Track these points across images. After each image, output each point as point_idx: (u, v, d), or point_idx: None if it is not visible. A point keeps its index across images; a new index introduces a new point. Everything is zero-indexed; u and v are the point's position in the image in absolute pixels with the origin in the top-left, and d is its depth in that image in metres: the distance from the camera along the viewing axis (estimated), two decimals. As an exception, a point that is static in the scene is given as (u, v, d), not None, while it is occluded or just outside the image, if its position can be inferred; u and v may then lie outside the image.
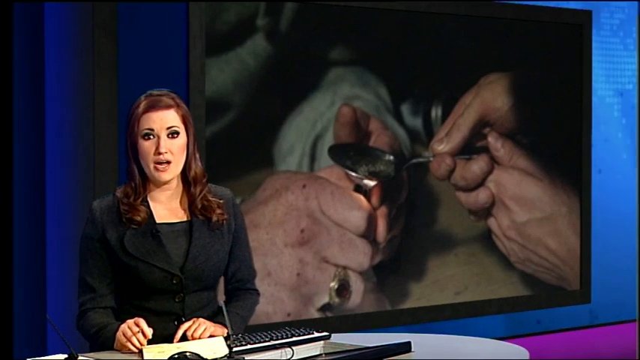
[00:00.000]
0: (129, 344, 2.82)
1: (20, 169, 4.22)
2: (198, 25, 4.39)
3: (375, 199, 4.93)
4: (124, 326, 2.85)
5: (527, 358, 2.92)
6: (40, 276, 4.27)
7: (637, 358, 5.60)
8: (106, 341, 2.89)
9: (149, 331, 2.84)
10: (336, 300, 4.82)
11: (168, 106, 2.94)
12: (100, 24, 4.15)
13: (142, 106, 2.93)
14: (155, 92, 2.97)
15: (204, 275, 2.97)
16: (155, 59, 4.31)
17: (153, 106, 2.92)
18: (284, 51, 4.66)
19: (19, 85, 4.20)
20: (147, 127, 2.92)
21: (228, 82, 4.51)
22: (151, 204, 2.97)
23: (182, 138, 2.95)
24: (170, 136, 2.93)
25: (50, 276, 4.27)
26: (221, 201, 3.02)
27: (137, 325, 2.84)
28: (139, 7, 4.28)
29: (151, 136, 2.92)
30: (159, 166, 2.92)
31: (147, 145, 2.92)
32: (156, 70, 4.29)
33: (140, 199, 2.95)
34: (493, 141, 5.32)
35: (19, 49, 4.20)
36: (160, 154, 2.91)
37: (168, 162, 2.92)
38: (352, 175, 4.86)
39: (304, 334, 2.91)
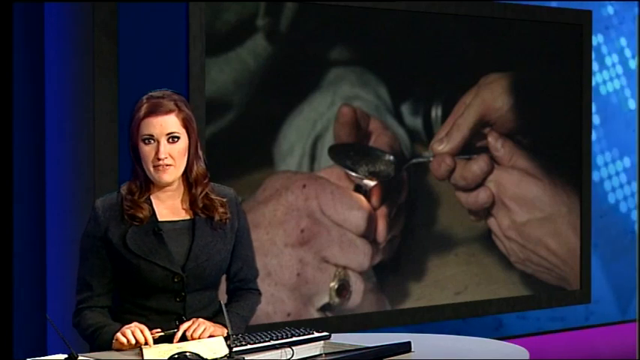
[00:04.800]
0: (125, 341, 2.82)
1: (20, 168, 4.21)
2: (198, 25, 4.39)
3: (375, 199, 4.93)
4: (125, 328, 2.85)
5: (527, 358, 2.92)
6: (40, 276, 4.27)
7: (637, 358, 5.60)
8: (103, 343, 2.89)
9: (150, 340, 2.84)
10: (336, 300, 4.82)
11: (168, 111, 2.93)
12: (100, 24, 4.15)
13: (143, 110, 2.93)
14: (156, 94, 2.96)
15: (205, 274, 2.97)
16: (155, 59, 4.31)
17: (153, 112, 2.92)
18: (284, 51, 4.66)
19: (19, 85, 4.20)
20: (146, 132, 2.92)
21: (228, 82, 4.51)
22: (154, 202, 2.98)
23: (182, 142, 2.95)
24: (170, 140, 2.93)
25: (50, 276, 4.27)
26: (224, 200, 3.03)
27: (141, 331, 2.84)
28: (139, 7, 4.28)
29: (151, 141, 2.92)
30: (159, 168, 2.92)
31: (147, 150, 2.92)
32: (156, 70, 4.29)
33: (144, 197, 2.96)
34: (493, 141, 5.32)
35: (19, 49, 4.19)
36: (159, 159, 2.91)
37: (169, 165, 2.93)
38: (352, 175, 4.86)
39: (304, 334, 2.91)
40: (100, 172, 4.16)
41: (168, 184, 2.97)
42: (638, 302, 5.67)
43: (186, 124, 2.96)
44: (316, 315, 4.75)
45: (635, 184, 5.92)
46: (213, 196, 3.01)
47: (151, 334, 2.85)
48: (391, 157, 4.99)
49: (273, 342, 2.84)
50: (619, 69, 5.90)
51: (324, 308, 4.79)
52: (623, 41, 5.90)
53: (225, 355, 2.74)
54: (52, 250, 4.27)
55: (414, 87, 5.08)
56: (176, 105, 2.95)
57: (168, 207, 2.99)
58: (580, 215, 5.63)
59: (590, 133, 5.67)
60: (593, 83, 5.71)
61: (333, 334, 2.99)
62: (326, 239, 4.78)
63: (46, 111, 4.28)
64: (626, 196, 5.92)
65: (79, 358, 2.69)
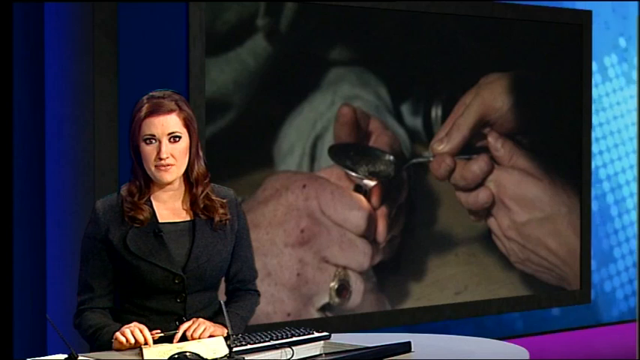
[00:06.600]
0: (125, 340, 2.82)
1: (20, 169, 4.22)
2: (198, 25, 4.39)
3: (375, 199, 4.93)
4: (124, 328, 2.85)
5: (527, 358, 2.92)
6: (40, 276, 4.27)
7: (637, 358, 5.60)
8: (103, 344, 2.89)
9: (150, 340, 2.84)
10: (336, 300, 4.82)
11: (169, 111, 2.93)
12: (100, 24, 4.15)
13: (144, 110, 2.93)
14: (157, 94, 2.96)
15: (206, 275, 2.97)
16: (155, 59, 4.31)
17: (154, 112, 2.92)
18: (284, 51, 4.66)
19: (19, 85, 4.20)
20: (148, 132, 2.92)
21: (228, 82, 4.51)
22: (154, 203, 2.98)
23: (184, 141, 2.95)
24: (172, 140, 2.93)
25: (50, 276, 4.27)
26: (224, 201, 3.03)
27: (140, 331, 2.84)
28: (139, 7, 4.28)
29: (153, 141, 2.92)
30: (161, 167, 2.93)
31: (149, 150, 2.93)
32: (156, 70, 4.29)
33: (144, 199, 2.96)
34: (493, 141, 5.32)
35: (19, 49, 4.20)
36: (161, 159, 2.91)
37: (170, 165, 2.93)
38: (352, 175, 4.86)
39: (304, 334, 2.91)
40: (100, 172, 4.16)
41: (169, 184, 2.97)
42: (638, 302, 5.67)
43: (187, 124, 2.96)
44: (316, 315, 4.75)
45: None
46: (213, 197, 3.01)
47: (151, 334, 2.85)
48: (391, 157, 4.99)
49: (273, 342, 2.84)
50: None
51: (324, 308, 4.79)
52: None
53: (225, 355, 2.74)
54: (52, 250, 4.27)
55: (414, 87, 5.08)
56: (177, 105, 2.96)
57: (169, 208, 3.00)
58: (580, 215, 5.63)
59: (590, 133, 5.67)
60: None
61: (333, 334, 2.99)
62: (326, 239, 4.78)
63: (46, 111, 4.29)
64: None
65: (79, 358, 2.70)
